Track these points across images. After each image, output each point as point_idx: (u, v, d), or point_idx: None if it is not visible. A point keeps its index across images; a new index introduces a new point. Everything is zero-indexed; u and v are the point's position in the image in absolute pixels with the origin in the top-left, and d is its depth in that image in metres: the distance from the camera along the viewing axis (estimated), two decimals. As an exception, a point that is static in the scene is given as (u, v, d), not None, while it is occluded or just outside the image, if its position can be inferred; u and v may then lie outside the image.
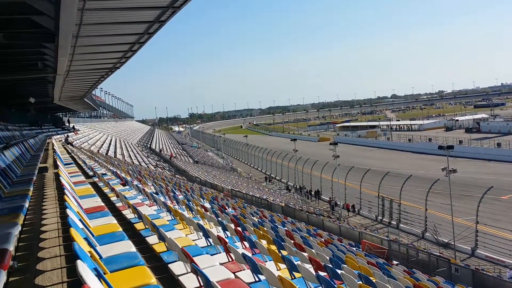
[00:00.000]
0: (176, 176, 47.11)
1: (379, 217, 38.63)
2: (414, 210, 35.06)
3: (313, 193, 51.81)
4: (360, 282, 8.64)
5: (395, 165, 61.24)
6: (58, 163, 16.27)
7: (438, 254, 25.87)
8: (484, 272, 22.76)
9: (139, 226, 9.11)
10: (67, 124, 57.86)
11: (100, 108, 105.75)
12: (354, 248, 21.06)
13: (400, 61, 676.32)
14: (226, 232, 10.91)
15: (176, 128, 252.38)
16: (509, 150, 64.83)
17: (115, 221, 8.09)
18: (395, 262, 21.36)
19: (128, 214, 10.36)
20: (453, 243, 28.82)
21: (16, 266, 5.90)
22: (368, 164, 56.26)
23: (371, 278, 10.47)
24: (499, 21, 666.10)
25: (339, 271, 9.15)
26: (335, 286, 7.10)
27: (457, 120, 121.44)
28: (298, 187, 54.51)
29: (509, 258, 26.41)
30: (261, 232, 12.58)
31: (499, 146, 68.63)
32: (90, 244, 5.92)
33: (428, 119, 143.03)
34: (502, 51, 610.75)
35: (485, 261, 27.27)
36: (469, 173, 48.10)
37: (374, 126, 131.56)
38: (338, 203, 42.98)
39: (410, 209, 35.61)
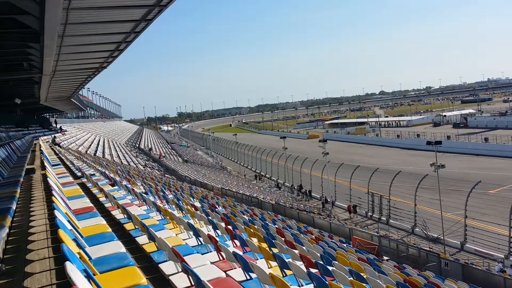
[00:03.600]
0: (166, 175, 46.94)
1: (369, 213, 38.79)
2: (404, 205, 35.25)
3: (296, 186, 52.29)
4: (351, 278, 8.66)
5: (384, 161, 61.52)
6: (46, 164, 16.13)
7: (428, 249, 26.04)
8: (474, 266, 22.96)
9: (129, 226, 9.05)
10: (54, 125, 57.37)
11: (88, 108, 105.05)
12: (345, 245, 21.12)
13: (388, 57, 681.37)
14: (217, 230, 10.87)
15: (165, 128, 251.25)
16: (496, 144, 65.39)
17: (104, 222, 8.02)
18: (385, 258, 21.48)
19: (117, 214, 10.29)
20: (442, 237, 29.02)
21: (4, 268, 5.83)
22: (357, 160, 56.54)
23: (362, 274, 10.49)
24: (485, 16, 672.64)
25: (330, 268, 9.15)
26: (326, 282, 7.10)
27: (445, 115, 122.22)
28: (291, 186, 54.55)
29: (498, 252, 26.66)
30: (251, 230, 12.57)
31: (486, 141, 69.17)
32: (79, 245, 5.86)
33: (416, 115, 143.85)
34: (488, 47, 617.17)
35: (474, 255, 27.50)
36: (457, 168, 48.41)
37: (362, 123, 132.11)
38: (328, 199, 43.05)
39: (399, 205, 35.81)
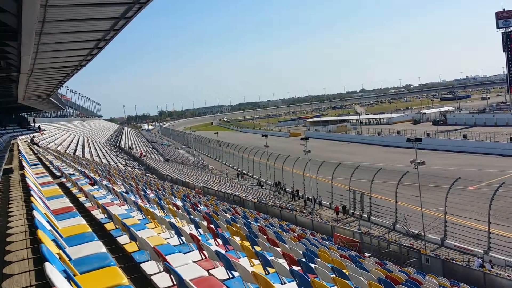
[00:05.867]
0: (147, 174, 46.64)
1: (351, 210, 39.02)
2: (385, 202, 35.58)
3: (271, 183, 52.84)
4: (334, 275, 8.68)
5: (365, 159, 62.02)
6: (24, 164, 15.90)
7: (409, 245, 26.31)
8: (454, 261, 23.23)
9: (109, 226, 8.95)
10: (33, 124, 56.60)
11: (67, 107, 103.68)
12: (327, 242, 21.19)
13: (368, 56, 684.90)
14: (199, 229, 10.82)
15: (146, 126, 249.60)
16: (475, 141, 66.36)
17: (84, 222, 7.93)
18: (367, 254, 21.61)
19: (98, 214, 10.17)
20: (423, 234, 29.34)
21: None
22: (338, 158, 56.83)
23: (344, 271, 10.54)
24: (463, 15, 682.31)
25: (312, 265, 9.17)
26: (309, 280, 7.10)
27: (424, 113, 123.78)
28: (276, 183, 54.65)
29: (477, 247, 27.05)
30: (234, 228, 12.53)
31: (465, 138, 70.18)
32: (58, 245, 5.77)
33: (397, 113, 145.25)
34: (466, 46, 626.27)
35: (454, 251, 27.89)
36: (437, 165, 49.07)
37: (344, 121, 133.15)
38: (316, 199, 43.23)
39: (380, 202, 36.13)
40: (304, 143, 43.95)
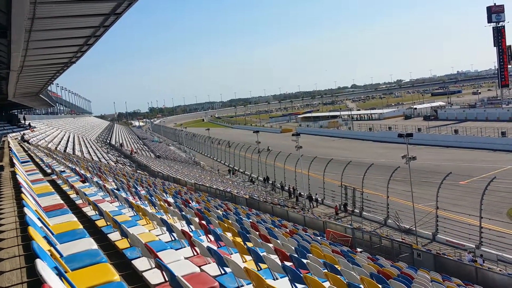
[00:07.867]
0: (138, 171, 46.50)
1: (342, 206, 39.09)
2: (376, 198, 35.69)
3: (262, 179, 53.20)
4: (326, 271, 8.71)
5: (356, 154, 62.14)
6: (15, 161, 15.82)
7: (401, 240, 26.43)
8: (445, 256, 23.37)
9: (101, 223, 8.94)
10: (23, 122, 56.23)
11: (57, 104, 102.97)
12: (319, 237, 21.27)
13: (359, 51, 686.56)
14: (191, 226, 10.82)
15: (136, 123, 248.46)
16: (466, 136, 66.71)
17: (75, 219, 7.91)
18: (359, 250, 21.72)
19: (89, 211, 10.15)
20: (414, 229, 29.49)
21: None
22: (330, 154, 56.95)
23: (336, 266, 10.58)
24: (454, 10, 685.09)
25: (304, 261, 9.19)
26: (301, 275, 7.12)
27: (416, 108, 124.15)
28: (264, 179, 54.72)
29: (469, 242, 27.22)
30: (226, 225, 12.55)
31: (456, 133, 70.53)
32: (49, 242, 5.76)
33: (388, 108, 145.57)
34: (457, 40, 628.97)
35: (446, 245, 28.02)
36: (428, 160, 49.27)
37: (335, 116, 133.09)
38: (302, 193, 43.29)
39: (372, 197, 36.23)
40: (295, 139, 43.96)
